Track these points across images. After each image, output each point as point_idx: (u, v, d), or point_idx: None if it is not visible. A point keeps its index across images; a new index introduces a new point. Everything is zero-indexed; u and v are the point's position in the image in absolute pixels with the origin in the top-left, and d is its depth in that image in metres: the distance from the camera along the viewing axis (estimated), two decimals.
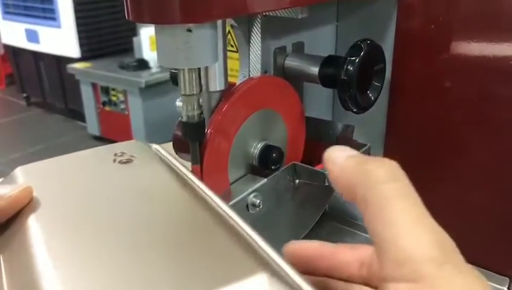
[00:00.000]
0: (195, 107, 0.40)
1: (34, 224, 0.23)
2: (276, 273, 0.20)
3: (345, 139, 0.54)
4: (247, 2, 0.38)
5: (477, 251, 0.60)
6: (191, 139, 0.42)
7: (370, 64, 0.50)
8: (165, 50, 0.37)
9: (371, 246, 0.25)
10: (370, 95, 0.51)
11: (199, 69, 0.40)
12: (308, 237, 0.60)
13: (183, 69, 0.39)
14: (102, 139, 2.78)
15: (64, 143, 2.85)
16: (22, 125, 3.21)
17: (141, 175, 0.27)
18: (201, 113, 0.41)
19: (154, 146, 0.34)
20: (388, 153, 0.63)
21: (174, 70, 0.52)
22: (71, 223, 0.23)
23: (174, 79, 0.51)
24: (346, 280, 0.27)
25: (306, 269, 0.27)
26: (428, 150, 0.60)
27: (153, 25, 0.36)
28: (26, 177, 0.27)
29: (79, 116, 2.96)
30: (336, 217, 0.70)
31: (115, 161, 0.29)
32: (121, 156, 0.29)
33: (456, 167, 0.59)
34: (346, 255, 0.27)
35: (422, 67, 0.58)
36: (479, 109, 0.55)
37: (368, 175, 0.23)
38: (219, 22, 0.40)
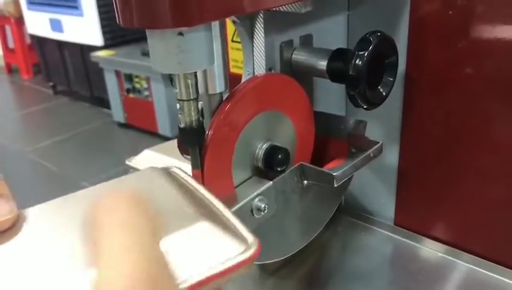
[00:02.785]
0: (193, 112, 0.39)
1: None
2: None
3: (357, 136, 0.51)
4: (242, 2, 0.36)
5: (503, 248, 0.57)
6: (189, 144, 0.41)
7: (381, 58, 0.47)
8: (158, 55, 0.36)
9: None
10: (381, 90, 0.48)
11: (196, 72, 0.38)
12: (323, 233, 0.59)
13: (178, 74, 0.37)
14: (128, 126, 2.80)
15: (90, 130, 2.89)
16: (49, 113, 3.28)
17: None
18: (200, 117, 0.40)
19: (173, 170, 0.31)
20: (405, 147, 0.60)
21: None
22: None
23: (172, 81, 0.49)
24: None
25: None
26: (449, 142, 0.57)
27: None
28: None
29: (104, 103, 2.99)
30: (351, 213, 0.68)
31: None
32: None
33: (480, 159, 0.55)
34: None
35: (440, 55, 0.55)
36: (509, 95, 0.51)
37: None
38: (214, 22, 0.38)
